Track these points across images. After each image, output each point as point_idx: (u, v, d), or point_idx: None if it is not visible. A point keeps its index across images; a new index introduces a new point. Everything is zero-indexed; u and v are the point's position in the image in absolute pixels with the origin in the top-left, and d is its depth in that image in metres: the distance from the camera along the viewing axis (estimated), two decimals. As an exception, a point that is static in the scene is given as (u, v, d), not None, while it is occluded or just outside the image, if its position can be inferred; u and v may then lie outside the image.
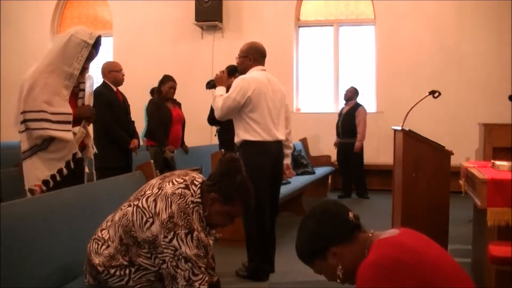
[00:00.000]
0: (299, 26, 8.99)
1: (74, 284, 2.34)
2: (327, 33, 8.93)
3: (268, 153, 3.71)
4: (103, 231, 2.22)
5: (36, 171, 3.01)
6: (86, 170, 3.32)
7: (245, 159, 3.65)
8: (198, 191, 2.15)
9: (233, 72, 3.94)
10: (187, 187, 2.15)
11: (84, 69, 3.15)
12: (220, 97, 3.70)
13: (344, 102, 7.70)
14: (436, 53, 8.25)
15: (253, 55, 3.78)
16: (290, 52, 8.84)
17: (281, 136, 3.80)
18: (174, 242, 2.03)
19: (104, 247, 2.17)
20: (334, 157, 8.14)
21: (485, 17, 8.08)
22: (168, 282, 2.09)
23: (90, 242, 2.22)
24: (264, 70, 3.82)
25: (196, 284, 2.04)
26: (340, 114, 7.66)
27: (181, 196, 2.11)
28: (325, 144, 8.29)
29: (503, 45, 7.97)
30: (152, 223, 2.08)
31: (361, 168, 7.58)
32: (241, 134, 3.71)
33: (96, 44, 3.13)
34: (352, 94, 7.59)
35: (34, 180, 3.02)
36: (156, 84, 5.78)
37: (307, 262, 1.75)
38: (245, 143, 3.69)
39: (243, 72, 3.82)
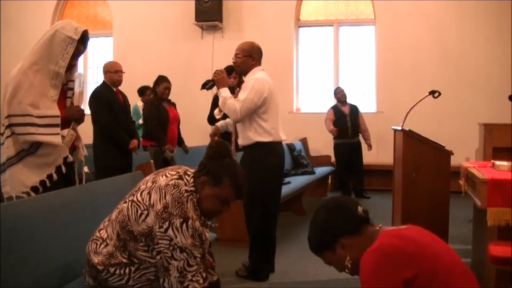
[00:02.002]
0: (299, 26, 8.99)
1: (74, 284, 2.34)
2: (327, 33, 8.93)
3: (277, 153, 3.71)
4: (101, 231, 2.23)
5: (22, 177, 2.83)
6: (86, 170, 3.27)
7: (257, 160, 3.64)
8: (192, 180, 2.17)
9: (230, 72, 3.88)
10: (180, 177, 2.16)
11: (72, 66, 2.97)
12: (232, 99, 3.60)
13: (340, 103, 7.64)
14: (436, 53, 8.25)
15: (256, 55, 3.72)
16: (290, 52, 8.84)
17: (284, 136, 3.80)
18: (170, 231, 2.03)
19: (102, 245, 2.17)
20: (334, 157, 8.14)
21: (485, 17, 8.08)
22: (161, 274, 2.08)
23: (89, 243, 2.22)
24: (263, 70, 3.77)
25: (189, 275, 2.03)
26: (340, 114, 7.57)
27: (175, 187, 2.11)
28: (325, 144, 8.28)
29: (503, 45, 7.97)
30: (147, 215, 2.09)
31: (362, 167, 7.59)
32: (252, 136, 3.64)
33: (84, 39, 2.93)
34: (345, 94, 7.63)
35: (20, 187, 2.83)
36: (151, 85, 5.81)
37: (317, 253, 1.80)
38: (257, 144, 3.64)
39: (244, 72, 3.76)
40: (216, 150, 2.21)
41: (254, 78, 3.63)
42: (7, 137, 2.83)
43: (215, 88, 3.81)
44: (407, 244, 1.57)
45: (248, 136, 3.67)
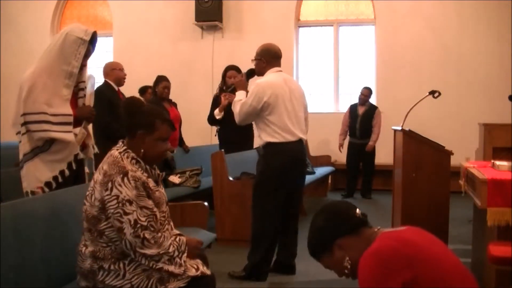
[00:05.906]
0: (299, 26, 8.99)
1: (74, 285, 2.34)
2: (327, 33, 8.93)
3: (288, 152, 3.71)
4: (80, 244, 2.28)
5: (37, 173, 2.99)
6: (87, 170, 3.31)
7: (267, 160, 3.73)
8: (121, 144, 2.32)
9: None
10: (111, 150, 2.32)
11: (83, 66, 3.15)
12: (238, 103, 3.75)
13: (358, 103, 7.54)
14: (436, 53, 8.25)
15: (265, 58, 3.81)
16: (290, 52, 8.81)
17: (301, 134, 3.81)
18: (114, 190, 2.14)
19: (84, 249, 2.23)
20: (334, 157, 8.12)
21: (485, 17, 8.07)
22: (119, 240, 2.15)
23: (77, 262, 2.26)
24: (280, 71, 3.84)
25: (142, 228, 2.11)
26: (354, 114, 7.50)
27: (109, 157, 2.27)
28: (325, 144, 8.28)
29: (503, 45, 7.96)
30: (94, 191, 2.20)
31: (372, 169, 7.57)
32: (264, 136, 3.74)
33: (93, 40, 3.13)
34: (366, 97, 7.49)
35: (35, 182, 2.99)
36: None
37: (316, 257, 1.80)
38: (268, 145, 3.72)
39: (260, 74, 3.87)
40: (131, 105, 2.35)
41: (256, 83, 3.74)
42: (23, 134, 3.00)
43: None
44: (405, 246, 1.56)
45: (261, 137, 3.80)
